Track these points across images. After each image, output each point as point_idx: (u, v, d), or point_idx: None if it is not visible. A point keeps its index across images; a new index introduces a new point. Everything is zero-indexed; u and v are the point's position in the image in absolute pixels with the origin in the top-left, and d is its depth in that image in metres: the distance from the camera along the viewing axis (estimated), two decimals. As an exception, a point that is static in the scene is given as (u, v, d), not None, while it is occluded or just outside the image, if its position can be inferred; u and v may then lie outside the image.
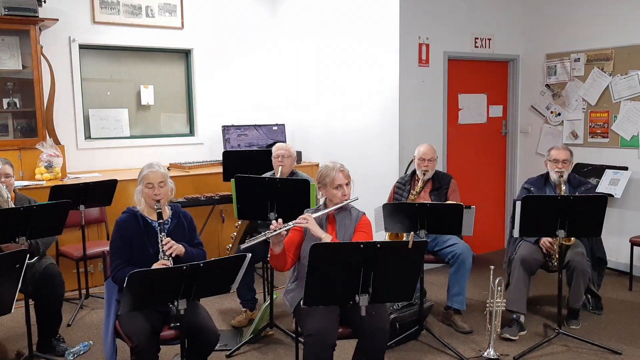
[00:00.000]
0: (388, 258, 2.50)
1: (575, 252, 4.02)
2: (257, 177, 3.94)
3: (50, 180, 5.04)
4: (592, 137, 5.55)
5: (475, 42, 5.70)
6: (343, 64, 5.82)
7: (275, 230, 2.88)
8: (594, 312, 4.36)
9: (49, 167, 5.09)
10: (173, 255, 3.00)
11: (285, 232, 2.96)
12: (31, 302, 3.57)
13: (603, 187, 5.22)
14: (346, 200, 3.11)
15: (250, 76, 6.65)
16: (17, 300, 2.71)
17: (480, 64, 5.87)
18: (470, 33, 5.66)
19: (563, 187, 4.08)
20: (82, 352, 3.76)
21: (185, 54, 6.35)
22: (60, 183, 4.87)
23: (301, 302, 2.61)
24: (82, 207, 4.44)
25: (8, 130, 5.32)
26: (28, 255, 2.75)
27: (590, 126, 5.56)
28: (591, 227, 3.69)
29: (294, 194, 3.68)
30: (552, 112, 5.87)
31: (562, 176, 4.12)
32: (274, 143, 4.72)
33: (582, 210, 3.63)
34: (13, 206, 3.51)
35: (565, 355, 3.69)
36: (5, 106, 5.24)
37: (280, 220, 2.95)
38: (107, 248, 3.20)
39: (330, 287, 2.53)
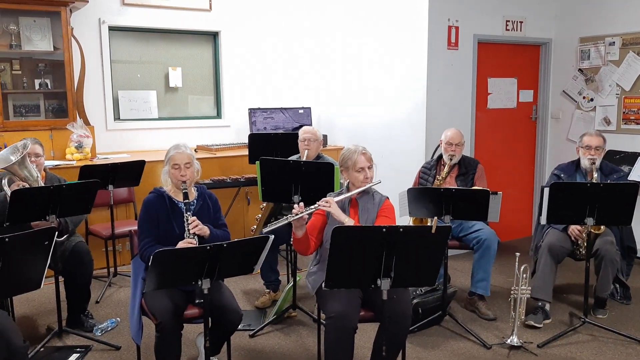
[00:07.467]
0: (410, 243, 2.48)
1: (605, 240, 3.94)
2: (282, 159, 3.94)
3: (80, 160, 5.13)
4: (625, 123, 5.40)
5: (507, 25, 5.58)
6: (371, 47, 5.75)
7: (297, 214, 2.88)
8: (621, 302, 4.28)
9: (79, 147, 5.19)
10: (198, 233, 3.04)
11: (308, 216, 2.96)
12: (61, 279, 3.67)
13: (635, 174, 5.07)
14: (368, 183, 3.09)
15: (277, 59, 6.64)
16: (47, 277, 2.78)
17: (511, 48, 5.74)
18: (501, 16, 5.53)
19: (595, 175, 3.99)
20: (109, 329, 3.85)
21: (213, 36, 6.37)
22: (89, 163, 4.94)
23: (322, 285, 2.62)
24: (110, 187, 4.53)
25: (40, 111, 5.43)
26: (57, 233, 2.81)
27: (623, 112, 5.40)
28: (621, 215, 3.60)
29: (318, 177, 3.68)
30: (584, 98, 5.73)
31: (594, 163, 4.02)
32: (300, 126, 4.72)
33: (611, 198, 3.54)
34: (43, 185, 3.59)
35: (591, 344, 3.64)
36: (37, 87, 5.35)
37: (302, 204, 2.96)
38: (135, 227, 3.25)
39: (352, 271, 2.52)
